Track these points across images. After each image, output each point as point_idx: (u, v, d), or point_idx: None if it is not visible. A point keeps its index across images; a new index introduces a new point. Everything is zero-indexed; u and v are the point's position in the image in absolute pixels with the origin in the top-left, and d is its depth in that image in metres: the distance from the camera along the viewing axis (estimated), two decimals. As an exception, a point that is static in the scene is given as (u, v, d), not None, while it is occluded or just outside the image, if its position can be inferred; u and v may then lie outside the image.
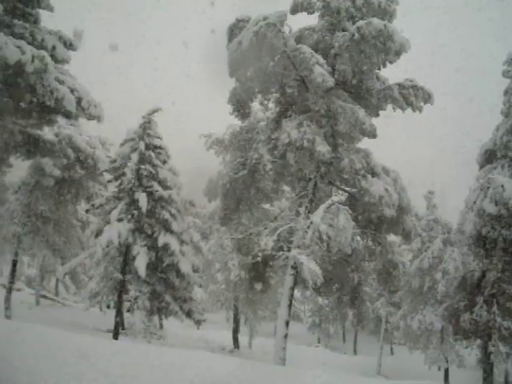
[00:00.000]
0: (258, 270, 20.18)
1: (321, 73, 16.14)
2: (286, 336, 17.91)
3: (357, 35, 16.76)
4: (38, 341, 8.56)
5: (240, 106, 19.00)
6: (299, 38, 18.49)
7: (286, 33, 16.73)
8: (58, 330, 11.18)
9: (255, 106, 20.11)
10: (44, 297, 40.41)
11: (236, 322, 33.26)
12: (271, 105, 20.11)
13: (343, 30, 17.92)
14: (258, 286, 21.23)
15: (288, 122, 17.70)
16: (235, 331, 32.78)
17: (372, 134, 17.75)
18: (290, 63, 17.18)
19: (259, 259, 18.89)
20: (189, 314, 22.61)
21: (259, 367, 10.70)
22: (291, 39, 17.03)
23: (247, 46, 16.21)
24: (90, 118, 17.71)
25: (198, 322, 23.36)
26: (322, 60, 16.61)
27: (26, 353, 7.35)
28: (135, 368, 7.23)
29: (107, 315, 27.54)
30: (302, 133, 16.72)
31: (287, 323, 18.07)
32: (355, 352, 48.96)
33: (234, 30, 17.72)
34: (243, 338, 34.58)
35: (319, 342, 51.85)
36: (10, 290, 26.86)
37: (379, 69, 18.63)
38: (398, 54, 17.40)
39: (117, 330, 22.01)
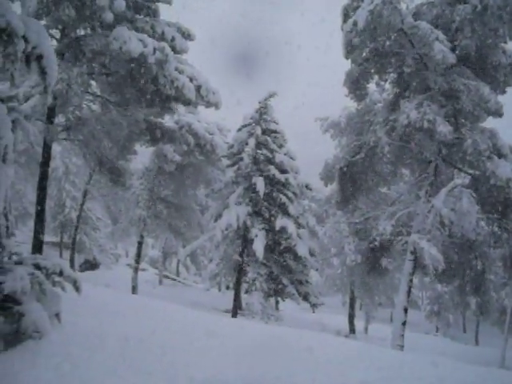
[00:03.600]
0: (376, 255, 19.81)
1: (441, 49, 15.35)
2: (404, 323, 17.47)
3: (480, 7, 15.72)
4: (168, 317, 9.06)
5: (356, 88, 18.61)
6: (417, 15, 17.67)
7: (402, 9, 16.04)
8: (186, 308, 11.71)
9: (371, 87, 19.61)
10: (166, 277, 42.55)
11: (352, 306, 32.94)
12: (388, 85, 19.49)
13: (465, 3, 16.81)
14: (375, 272, 20.88)
15: (406, 103, 17.04)
16: (351, 316, 32.48)
17: (498, 113, 16.69)
18: (408, 41, 16.48)
19: (377, 244, 18.57)
20: (305, 297, 22.74)
21: (379, 350, 10.49)
22: (408, 16, 16.30)
23: (363, 26, 15.71)
24: (209, 105, 18.13)
25: (315, 306, 23.46)
26: (442, 36, 15.76)
27: (157, 327, 7.79)
28: (261, 347, 7.40)
29: (225, 296, 28.45)
30: (421, 113, 16.03)
31: (406, 310, 17.63)
32: (476, 343, 46.58)
33: (349, 10, 17.25)
34: (359, 324, 34.20)
35: (437, 331, 50.09)
36: (136, 270, 28.64)
37: (505, 42, 17.32)
38: (527, 23, 16.10)
39: (235, 310, 22.67)
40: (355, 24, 15.96)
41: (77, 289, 7.15)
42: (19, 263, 6.80)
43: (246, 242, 21.95)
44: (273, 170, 21.59)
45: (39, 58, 5.40)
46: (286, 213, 21.54)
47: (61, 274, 7.08)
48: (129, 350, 6.43)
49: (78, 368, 5.68)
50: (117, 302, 10.40)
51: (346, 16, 17.25)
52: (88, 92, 17.72)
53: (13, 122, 5.86)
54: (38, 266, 6.88)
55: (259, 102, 22.41)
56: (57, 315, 6.96)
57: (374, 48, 17.24)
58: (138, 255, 29.32)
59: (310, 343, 8.35)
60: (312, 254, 23.20)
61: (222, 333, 7.81)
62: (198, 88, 17.36)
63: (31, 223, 25.20)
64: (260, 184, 20.78)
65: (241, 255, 22.09)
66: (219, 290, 33.29)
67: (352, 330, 31.80)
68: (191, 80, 17.07)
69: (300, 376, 6.60)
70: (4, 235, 6.04)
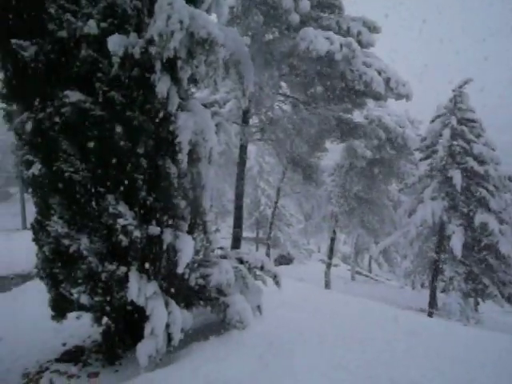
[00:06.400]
0: None
1: None
2: None
3: None
4: (367, 314, 8.99)
5: None
6: None
7: None
8: (384, 305, 11.51)
9: None
10: (358, 273, 42.36)
11: None
12: None
13: None
14: None
15: None
16: None
17: None
18: None
19: None
20: (509, 299, 21.02)
21: None
22: None
23: None
24: (399, 97, 17.54)
25: (521, 308, 21.58)
26: None
27: (356, 324, 7.77)
28: (469, 351, 6.95)
29: (420, 294, 27.41)
30: None
31: None
32: None
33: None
34: None
35: None
36: (328, 266, 29.02)
37: None
38: None
39: (431, 310, 21.82)
40: None
41: (277, 283, 7.45)
42: (224, 257, 7.30)
43: (443, 238, 20.96)
44: (471, 162, 20.27)
45: (237, 63, 5.69)
46: (486, 207, 20.09)
47: (262, 268, 7.45)
48: (328, 345, 6.49)
49: (281, 359, 5.87)
50: (314, 296, 10.61)
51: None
52: (279, 93, 18.34)
53: (216, 125, 6.31)
54: (241, 261, 7.32)
55: (453, 90, 21.21)
56: (258, 307, 7.32)
57: None
58: (331, 251, 29.66)
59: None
60: (518, 253, 21.31)
61: (423, 333, 7.50)
62: (387, 81, 16.95)
63: (230, 220, 26.85)
64: (457, 177, 19.67)
65: (437, 252, 21.17)
66: (413, 287, 32.27)
67: None
68: (379, 73, 16.73)
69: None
70: (211, 231, 6.49)
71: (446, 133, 20.48)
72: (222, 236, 29.88)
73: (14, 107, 6.18)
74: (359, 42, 16.18)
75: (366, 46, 17.15)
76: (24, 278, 14.29)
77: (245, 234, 33.73)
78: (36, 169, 6.02)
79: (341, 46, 15.11)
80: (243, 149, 17.77)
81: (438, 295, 23.47)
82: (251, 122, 18.47)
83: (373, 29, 17.52)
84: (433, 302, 22.38)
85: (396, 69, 17.10)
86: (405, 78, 17.11)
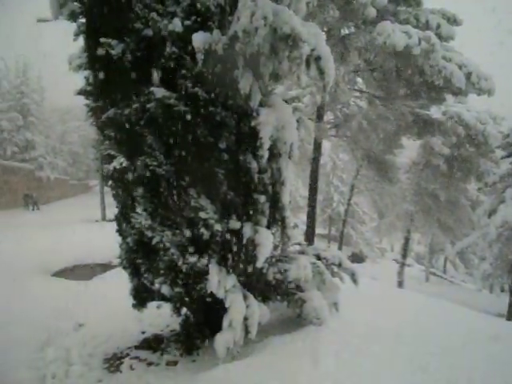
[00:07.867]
0: None
1: None
2: None
3: None
4: (446, 316, 8.73)
5: None
6: None
7: None
8: (464, 308, 11.15)
9: None
10: (433, 274, 41.30)
11: None
12: None
13: None
14: None
15: None
16: None
17: None
18: None
19: None
20: None
21: None
22: None
23: None
24: (481, 92, 16.88)
25: None
26: None
27: (435, 326, 7.56)
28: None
29: (499, 298, 26.37)
30: None
31: None
32: None
33: None
34: None
35: None
36: (402, 265, 28.49)
37: None
38: None
39: (510, 315, 21.03)
40: None
41: (354, 281, 7.38)
42: (302, 253, 7.31)
43: (525, 241, 20.13)
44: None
45: (317, 59, 5.66)
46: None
47: (339, 265, 7.41)
48: (404, 346, 6.36)
49: (357, 358, 5.82)
50: (390, 295, 10.46)
51: None
52: (354, 89, 18.15)
53: (297, 121, 6.32)
54: (318, 257, 7.31)
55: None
56: (335, 304, 7.29)
57: None
58: (405, 250, 29.09)
59: None
60: None
61: (507, 338, 7.20)
62: (468, 75, 16.38)
63: (302, 216, 26.83)
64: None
65: (523, 255, 20.35)
66: (491, 291, 31.21)
67: None
68: (460, 67, 16.18)
69: None
70: (289, 226, 6.51)
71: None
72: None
73: (98, 104, 6.42)
74: (438, 35, 15.73)
75: (446, 39, 16.63)
76: (104, 267, 14.91)
77: (317, 230, 33.65)
78: (117, 163, 6.26)
79: (419, 40, 14.75)
80: (318, 145, 17.71)
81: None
82: (325, 118, 18.38)
83: (453, 21, 16.95)
84: (515, 307, 21.53)
85: (478, 63, 16.50)
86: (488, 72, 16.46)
